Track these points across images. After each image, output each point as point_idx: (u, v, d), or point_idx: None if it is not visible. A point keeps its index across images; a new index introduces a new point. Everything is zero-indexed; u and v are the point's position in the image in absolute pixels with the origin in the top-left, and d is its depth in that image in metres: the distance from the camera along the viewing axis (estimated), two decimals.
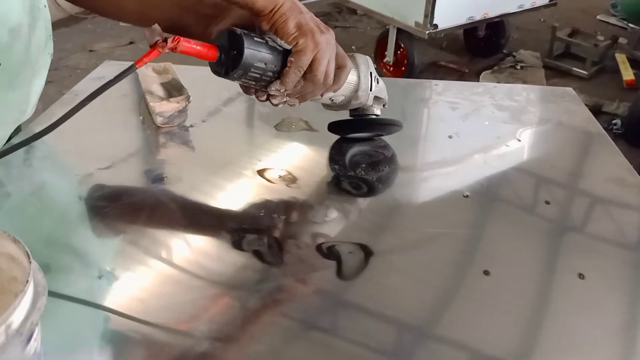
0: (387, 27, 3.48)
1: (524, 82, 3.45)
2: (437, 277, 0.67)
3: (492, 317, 0.61)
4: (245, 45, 0.66)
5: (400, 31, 3.36)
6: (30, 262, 0.47)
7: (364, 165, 0.86)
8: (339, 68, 0.76)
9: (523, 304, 0.63)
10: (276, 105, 0.75)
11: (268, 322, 0.60)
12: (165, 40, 0.64)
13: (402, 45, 3.41)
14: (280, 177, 0.83)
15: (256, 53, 0.67)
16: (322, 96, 0.79)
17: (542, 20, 4.40)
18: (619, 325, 0.60)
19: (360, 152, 0.90)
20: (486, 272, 0.66)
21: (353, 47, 3.96)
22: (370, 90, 0.84)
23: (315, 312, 0.61)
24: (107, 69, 1.15)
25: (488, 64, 3.78)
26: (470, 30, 3.73)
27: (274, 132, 0.96)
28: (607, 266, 0.69)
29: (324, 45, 0.70)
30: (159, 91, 0.95)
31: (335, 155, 0.90)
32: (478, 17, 3.37)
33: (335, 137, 0.93)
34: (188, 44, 0.66)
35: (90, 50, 3.80)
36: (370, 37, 4.03)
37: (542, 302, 0.64)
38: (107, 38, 3.96)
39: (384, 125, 0.91)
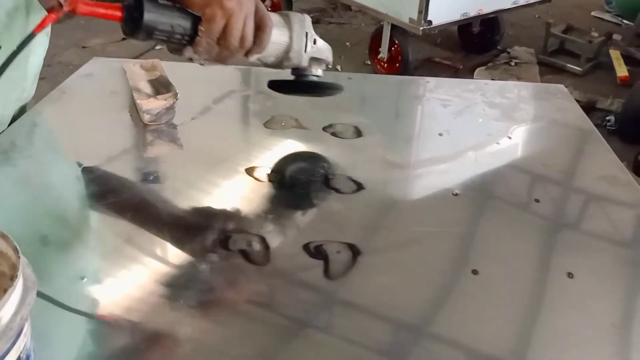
0: (381, 23, 3.46)
1: (518, 78, 3.44)
2: (428, 276, 0.66)
3: (483, 315, 0.60)
4: (145, 9, 0.66)
5: (394, 27, 3.35)
6: (19, 257, 0.47)
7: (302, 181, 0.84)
8: (259, 29, 0.73)
9: (514, 302, 0.62)
10: (202, 64, 0.74)
11: (254, 322, 0.59)
12: (60, 5, 0.62)
13: (397, 41, 3.39)
14: (268, 175, 0.82)
15: (159, 16, 0.67)
16: (247, 57, 0.76)
17: (536, 16, 4.39)
18: (609, 324, 0.60)
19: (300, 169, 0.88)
20: (475, 272, 0.66)
21: (347, 44, 3.94)
22: (305, 51, 0.81)
23: (304, 312, 0.60)
24: (96, 66, 1.13)
25: (482, 61, 3.77)
26: (464, 26, 3.71)
27: (263, 130, 0.95)
28: (598, 264, 0.68)
29: (236, 10, 0.68)
30: (147, 88, 0.94)
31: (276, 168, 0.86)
32: (472, 14, 3.36)
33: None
34: (87, 7, 0.65)
35: (83, 47, 3.77)
36: (364, 33, 4.02)
37: (534, 300, 0.63)
38: (100, 34, 3.93)
39: (322, 89, 0.89)
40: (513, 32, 4.13)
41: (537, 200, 0.79)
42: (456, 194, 0.80)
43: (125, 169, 0.85)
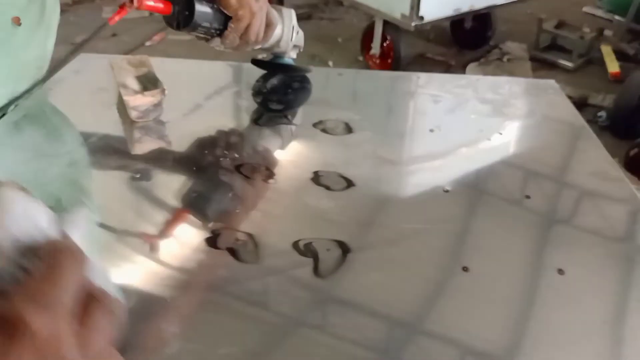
0: (373, 19, 3.45)
1: (511, 74, 3.44)
2: (419, 273, 0.65)
3: (475, 311, 0.60)
4: (195, 9, 0.80)
5: (386, 23, 3.34)
6: None
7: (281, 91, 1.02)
8: (268, 26, 0.89)
9: (506, 298, 0.62)
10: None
11: (243, 320, 0.58)
12: (131, 1, 0.77)
13: (389, 37, 3.38)
14: (258, 172, 0.81)
15: (203, 16, 0.82)
16: (254, 47, 0.92)
17: (528, 12, 4.39)
18: (602, 320, 0.60)
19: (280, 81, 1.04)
20: (465, 269, 0.65)
21: (339, 39, 3.93)
22: (291, 40, 0.98)
23: (294, 310, 0.60)
24: (83, 62, 1.12)
25: (475, 56, 3.77)
26: (457, 22, 3.71)
27: (253, 127, 0.94)
28: (588, 261, 0.68)
29: (258, 13, 0.85)
30: (134, 84, 0.92)
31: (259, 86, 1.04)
32: (465, 9, 3.35)
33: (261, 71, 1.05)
34: (149, 2, 0.79)
35: (73, 43, 3.74)
36: (356, 29, 4.00)
37: (526, 297, 0.63)
38: (89, 30, 3.89)
39: (295, 71, 1.06)
40: (505, 28, 4.13)
41: (527, 197, 0.78)
42: (447, 191, 0.79)
43: (112, 166, 0.84)
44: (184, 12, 0.81)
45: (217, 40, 0.86)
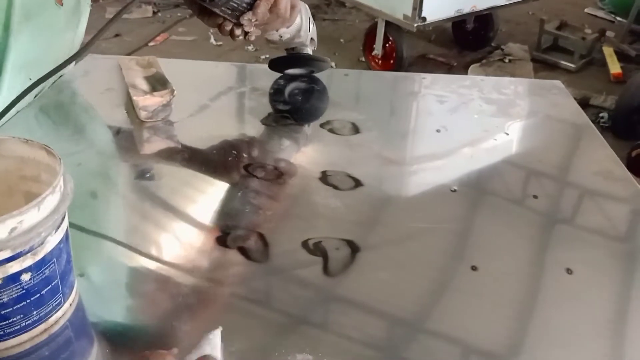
0: (375, 19, 3.46)
1: (512, 75, 3.45)
2: (425, 272, 0.66)
3: (481, 311, 0.61)
4: None
5: (388, 24, 3.35)
6: (61, 166, 0.52)
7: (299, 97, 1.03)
8: (292, 7, 0.91)
9: (511, 298, 0.63)
10: (239, 35, 0.88)
11: (253, 318, 0.59)
12: None
13: (391, 38, 3.39)
14: (266, 172, 0.82)
15: None
16: (277, 31, 0.96)
17: (530, 13, 4.40)
18: (606, 319, 0.60)
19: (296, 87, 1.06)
20: (474, 268, 0.66)
21: (342, 40, 3.94)
22: (309, 31, 1.01)
23: (302, 308, 0.60)
24: (91, 62, 1.13)
25: (476, 57, 3.77)
26: (458, 23, 3.72)
27: (260, 127, 0.95)
28: (595, 260, 0.69)
29: None
30: (143, 85, 0.93)
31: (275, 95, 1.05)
32: (466, 10, 3.36)
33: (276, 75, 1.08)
34: None
35: None
36: (358, 30, 4.01)
37: (531, 296, 0.63)
38: (92, 31, 3.89)
39: (315, 61, 1.07)
40: (507, 29, 4.14)
41: (535, 197, 0.79)
42: (454, 190, 0.80)
43: (121, 166, 0.85)
44: None
45: (248, 14, 0.85)
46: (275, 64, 1.07)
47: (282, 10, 0.88)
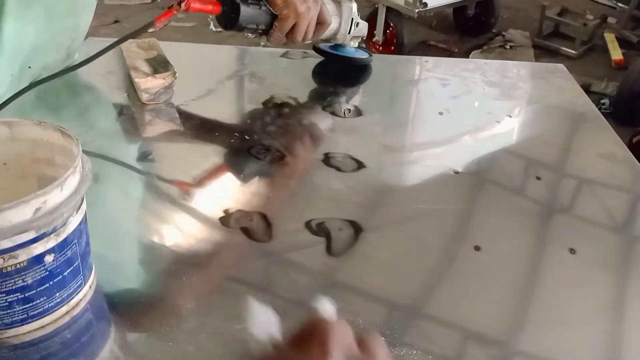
0: (376, 6, 3.44)
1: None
2: (428, 253, 0.66)
3: (484, 292, 0.61)
4: (241, 13, 0.84)
5: (389, 10, 3.32)
6: (79, 150, 0.52)
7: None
8: (321, 24, 0.91)
9: (514, 279, 0.63)
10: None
11: (256, 298, 0.59)
12: (179, 4, 0.79)
13: (392, 24, 3.37)
14: (268, 154, 0.82)
15: (249, 18, 0.85)
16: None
17: None
18: (609, 300, 0.60)
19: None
20: (477, 248, 0.66)
21: None
22: (349, 33, 1.00)
23: (305, 291, 0.60)
24: (91, 46, 1.12)
25: (477, 44, 3.76)
26: (459, 9, 3.69)
27: (262, 110, 0.94)
28: (598, 240, 0.69)
29: (304, 14, 0.86)
30: (144, 67, 0.93)
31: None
32: None
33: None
34: (196, 4, 0.81)
35: None
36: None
37: (533, 277, 0.63)
38: (96, 17, 3.89)
39: (354, 61, 1.06)
40: (508, 15, 4.12)
41: (538, 178, 0.79)
42: (457, 172, 0.80)
43: (123, 148, 0.85)
44: (231, 14, 0.85)
45: (263, 39, 0.90)
46: (319, 51, 1.07)
47: (298, 38, 0.89)
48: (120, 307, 0.57)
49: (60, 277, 0.51)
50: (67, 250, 0.51)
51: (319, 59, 1.08)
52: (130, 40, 1.04)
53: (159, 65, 0.93)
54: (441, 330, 0.56)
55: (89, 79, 1.01)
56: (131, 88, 0.95)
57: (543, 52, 3.67)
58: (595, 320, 0.58)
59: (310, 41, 0.95)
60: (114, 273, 0.61)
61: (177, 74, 0.91)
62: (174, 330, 0.54)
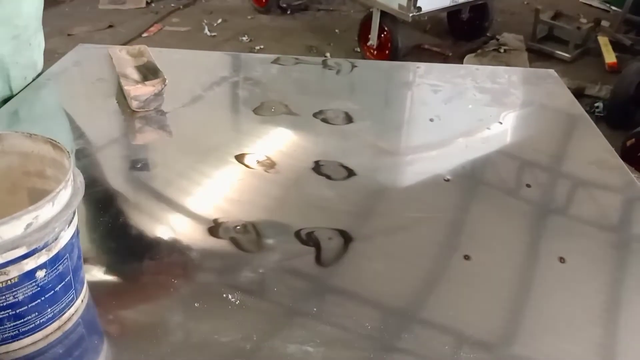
0: (370, 10, 3.44)
1: (508, 65, 3.44)
2: (418, 261, 0.66)
3: (474, 300, 0.60)
4: None
5: (384, 14, 3.33)
6: (70, 162, 0.51)
7: None
8: None
9: (504, 287, 0.62)
10: None
11: (245, 309, 0.58)
12: None
13: (386, 28, 3.37)
14: (258, 162, 0.82)
15: None
16: None
17: (525, 2, 4.38)
18: (599, 308, 0.60)
19: None
20: (467, 257, 0.65)
21: (336, 31, 3.92)
22: None
23: (295, 299, 0.60)
24: (81, 52, 1.12)
25: (472, 47, 3.76)
26: (454, 13, 3.70)
27: (253, 117, 0.94)
28: (588, 248, 0.69)
29: None
30: (134, 74, 0.92)
31: None
32: (462, 0, 3.35)
33: None
34: None
35: (69, 34, 3.72)
36: (353, 20, 3.98)
37: (524, 285, 0.63)
38: (85, 22, 3.87)
39: None
40: (502, 19, 4.13)
41: (528, 185, 0.79)
42: (447, 180, 0.79)
43: (113, 157, 0.84)
44: None
45: None
46: None
47: None
48: (111, 320, 0.57)
49: (52, 292, 0.50)
50: (58, 265, 0.50)
51: (310, 64, 1.07)
52: (120, 47, 1.04)
53: (149, 72, 0.93)
54: (433, 335, 0.56)
55: (79, 86, 1.00)
56: (121, 95, 0.95)
57: (537, 55, 3.68)
58: (586, 328, 0.58)
59: None
60: (97, 278, 0.60)
61: (167, 80, 0.90)
62: (162, 343, 0.54)
